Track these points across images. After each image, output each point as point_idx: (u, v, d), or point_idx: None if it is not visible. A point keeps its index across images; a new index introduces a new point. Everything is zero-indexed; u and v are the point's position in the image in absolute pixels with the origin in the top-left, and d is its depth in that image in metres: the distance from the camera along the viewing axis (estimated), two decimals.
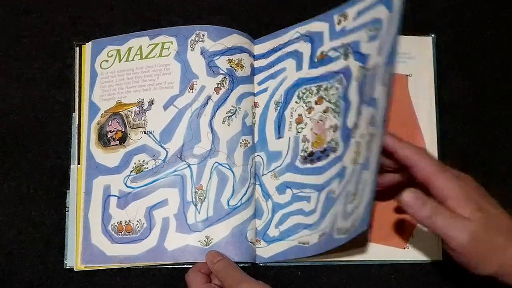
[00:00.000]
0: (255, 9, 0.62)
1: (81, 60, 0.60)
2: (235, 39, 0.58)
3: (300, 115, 0.57)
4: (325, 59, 0.56)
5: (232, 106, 0.57)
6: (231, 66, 0.57)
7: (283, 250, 0.54)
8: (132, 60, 0.59)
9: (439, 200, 0.45)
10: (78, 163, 0.57)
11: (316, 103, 0.56)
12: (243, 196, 0.55)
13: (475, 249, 0.43)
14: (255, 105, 0.58)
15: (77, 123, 0.58)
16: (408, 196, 0.44)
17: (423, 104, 0.59)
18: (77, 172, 0.57)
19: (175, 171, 0.56)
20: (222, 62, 0.57)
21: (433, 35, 0.60)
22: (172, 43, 0.59)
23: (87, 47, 0.60)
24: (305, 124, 0.56)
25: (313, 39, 0.57)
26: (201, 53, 0.58)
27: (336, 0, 0.62)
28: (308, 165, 0.55)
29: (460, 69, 0.61)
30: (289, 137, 0.57)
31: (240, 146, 0.56)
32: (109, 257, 0.55)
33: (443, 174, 0.45)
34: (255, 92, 0.59)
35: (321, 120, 0.55)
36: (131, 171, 0.57)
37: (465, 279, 0.54)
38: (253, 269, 0.55)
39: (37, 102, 0.59)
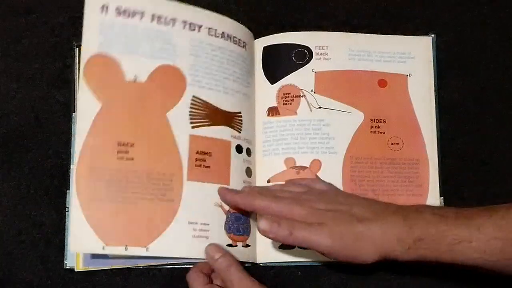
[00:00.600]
0: (255, 10, 0.62)
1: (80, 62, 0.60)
2: None
3: None
4: None
5: None
6: None
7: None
8: None
9: None
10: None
11: None
12: None
13: (344, 244, 0.45)
14: None
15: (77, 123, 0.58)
16: (263, 224, 0.47)
17: (423, 104, 0.59)
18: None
19: None
20: None
21: (433, 35, 0.60)
22: None
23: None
24: None
25: None
26: None
27: (335, 1, 0.62)
28: None
29: (460, 69, 0.61)
30: None
31: None
32: (112, 259, 0.55)
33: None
34: None
35: None
36: None
37: (465, 279, 0.54)
38: (253, 269, 0.55)
39: (37, 102, 0.59)
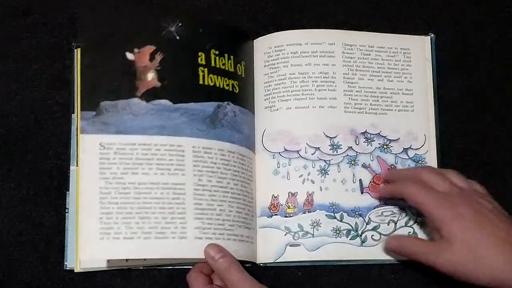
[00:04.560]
0: (254, 10, 0.62)
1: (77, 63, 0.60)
2: None
3: None
4: None
5: None
6: None
7: None
8: None
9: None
10: (77, 165, 0.57)
11: None
12: None
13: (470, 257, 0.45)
14: None
15: (76, 124, 0.58)
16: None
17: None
18: (77, 174, 0.57)
19: None
20: None
21: (432, 35, 0.60)
22: None
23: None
24: None
25: None
26: None
27: (335, 1, 0.62)
28: None
29: (460, 69, 0.61)
30: None
31: None
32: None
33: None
34: None
35: None
36: None
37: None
38: (253, 269, 0.55)
39: (36, 103, 0.59)
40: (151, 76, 0.54)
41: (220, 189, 0.53)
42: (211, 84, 0.55)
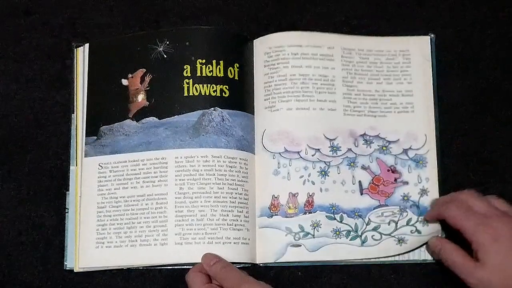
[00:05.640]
0: (254, 10, 0.62)
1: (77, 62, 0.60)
2: None
3: None
4: None
5: None
6: None
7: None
8: None
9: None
10: (77, 165, 0.57)
11: None
12: None
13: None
14: None
15: (76, 124, 0.58)
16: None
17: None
18: (76, 174, 0.57)
19: None
20: None
21: (432, 35, 0.60)
22: None
23: (80, 52, 0.60)
24: None
25: None
26: None
27: (334, 1, 0.62)
28: None
29: (460, 69, 0.61)
30: None
31: None
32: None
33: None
34: None
35: None
36: None
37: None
38: (253, 269, 0.55)
39: (36, 103, 0.59)
40: (141, 97, 0.57)
41: (202, 195, 0.54)
42: (196, 94, 0.56)
